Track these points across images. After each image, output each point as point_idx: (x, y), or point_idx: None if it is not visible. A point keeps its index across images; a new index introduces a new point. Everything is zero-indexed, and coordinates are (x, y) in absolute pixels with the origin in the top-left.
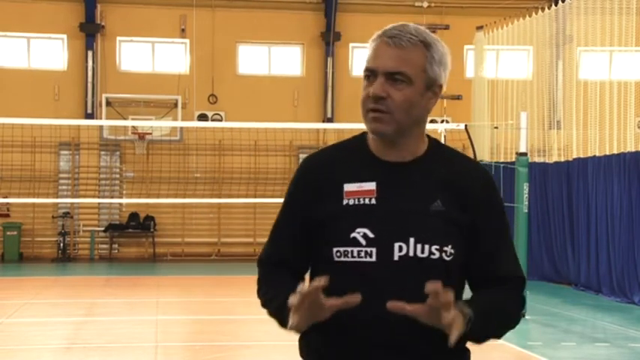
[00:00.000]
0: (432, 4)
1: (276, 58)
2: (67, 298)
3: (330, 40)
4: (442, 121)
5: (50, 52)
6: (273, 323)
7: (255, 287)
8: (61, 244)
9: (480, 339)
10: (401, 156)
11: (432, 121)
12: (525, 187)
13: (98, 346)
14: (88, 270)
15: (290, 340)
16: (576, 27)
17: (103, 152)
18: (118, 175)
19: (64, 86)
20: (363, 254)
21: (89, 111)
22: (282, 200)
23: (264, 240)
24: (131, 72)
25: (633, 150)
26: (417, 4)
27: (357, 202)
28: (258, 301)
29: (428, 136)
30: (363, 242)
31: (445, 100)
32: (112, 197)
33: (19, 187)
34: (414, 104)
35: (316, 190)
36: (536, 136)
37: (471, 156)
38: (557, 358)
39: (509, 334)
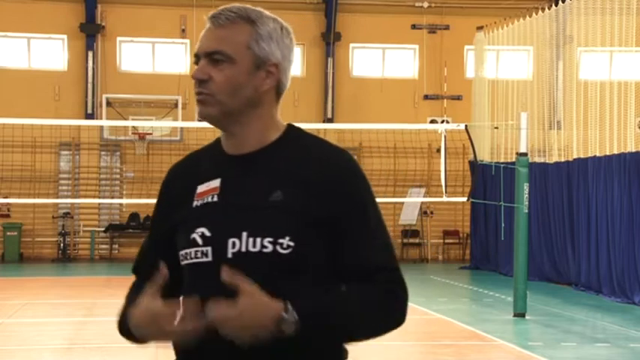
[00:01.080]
0: (432, 5)
1: None
2: (68, 299)
3: (330, 40)
4: (442, 122)
5: (50, 52)
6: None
7: None
8: (62, 245)
9: (339, 339)
10: (244, 146)
11: (432, 121)
12: (525, 187)
13: (99, 346)
14: (89, 270)
15: None
16: (576, 27)
17: (103, 152)
18: (118, 176)
19: (65, 86)
20: (199, 254)
21: (89, 111)
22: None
23: None
24: (131, 72)
25: (633, 150)
26: (417, 4)
27: (202, 202)
28: None
29: (290, 124)
30: (200, 242)
31: (445, 100)
32: (112, 197)
33: (20, 188)
34: (239, 84)
35: (174, 196)
36: (536, 136)
37: (472, 156)
38: (557, 359)
39: (509, 334)
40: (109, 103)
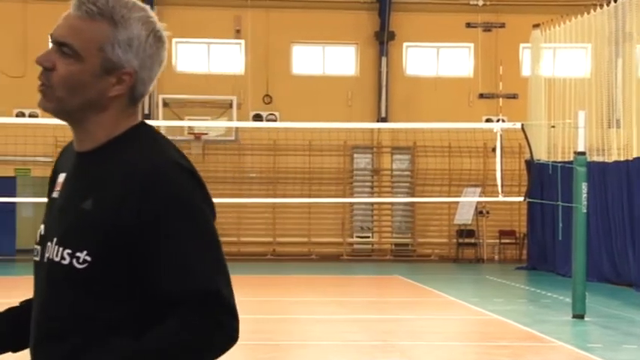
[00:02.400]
0: (488, 3)
1: (330, 58)
2: None
3: (384, 39)
4: (498, 120)
5: None
6: (329, 323)
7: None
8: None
9: None
10: (85, 144)
11: (487, 120)
12: (584, 186)
13: None
14: None
15: (348, 340)
16: (636, 24)
17: None
18: None
19: None
20: (35, 253)
21: (146, 111)
22: (336, 200)
23: (320, 240)
24: (187, 73)
25: None
26: (472, 2)
27: (51, 196)
28: (313, 301)
29: (140, 126)
30: (37, 239)
31: (501, 99)
32: None
33: None
34: (80, 84)
35: (51, 183)
36: (594, 134)
37: (528, 156)
38: None
39: (567, 336)
40: (165, 104)
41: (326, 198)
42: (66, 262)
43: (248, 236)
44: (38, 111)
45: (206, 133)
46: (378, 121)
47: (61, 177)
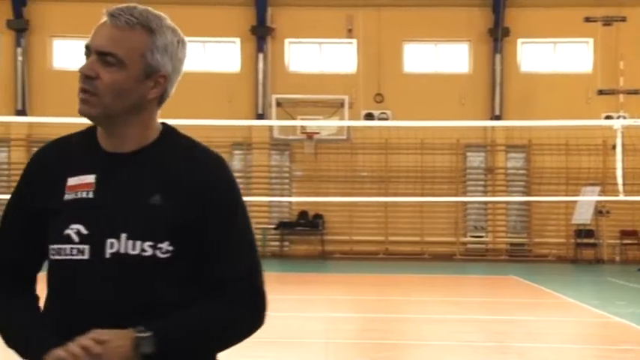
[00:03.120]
0: None
1: (442, 56)
2: None
3: (498, 36)
4: (618, 117)
5: (224, 55)
6: (443, 323)
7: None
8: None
9: (195, 352)
10: (122, 146)
11: (607, 117)
12: None
13: (271, 341)
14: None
15: (462, 340)
16: None
17: (273, 152)
18: (287, 174)
19: (237, 88)
20: (75, 252)
21: (260, 111)
22: (450, 199)
23: (432, 239)
24: (299, 73)
25: None
26: None
27: (75, 197)
28: (427, 301)
29: (164, 124)
30: (76, 239)
31: (621, 95)
32: (282, 195)
33: None
34: (125, 90)
35: (42, 184)
36: None
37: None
38: None
39: None
40: (278, 104)
41: (438, 197)
42: (147, 253)
43: (360, 235)
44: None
45: (318, 133)
46: (491, 119)
47: (76, 179)
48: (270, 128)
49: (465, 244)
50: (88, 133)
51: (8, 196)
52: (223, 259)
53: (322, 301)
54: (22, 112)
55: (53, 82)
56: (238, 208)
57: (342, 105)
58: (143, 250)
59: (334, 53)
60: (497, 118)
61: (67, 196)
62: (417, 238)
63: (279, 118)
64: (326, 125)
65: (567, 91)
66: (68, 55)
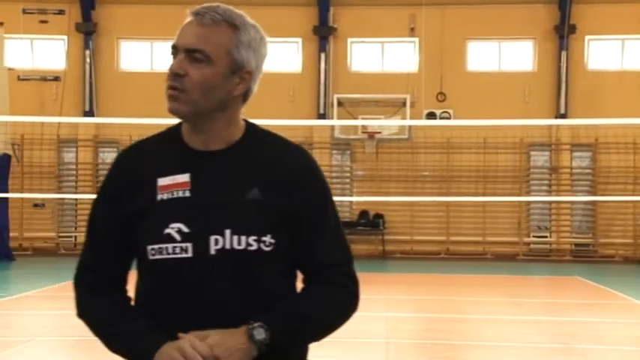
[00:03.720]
0: None
1: (506, 54)
2: None
3: (564, 33)
4: None
5: (286, 55)
6: (505, 324)
7: None
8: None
9: (294, 344)
10: (211, 143)
11: None
12: None
13: (331, 340)
14: None
15: (525, 342)
16: None
17: (334, 151)
18: (348, 174)
19: (299, 88)
20: (178, 250)
21: (321, 111)
22: (513, 199)
23: (494, 239)
24: (361, 72)
25: None
26: None
27: (171, 196)
28: (488, 301)
29: (245, 120)
30: (178, 238)
31: None
32: (343, 195)
33: None
34: (213, 86)
35: (130, 184)
36: None
37: None
38: None
39: None
40: (339, 103)
41: (501, 197)
42: (253, 247)
43: (421, 235)
44: None
45: (379, 132)
46: (556, 117)
47: (168, 179)
48: (332, 128)
49: (528, 244)
50: (170, 134)
51: (76, 196)
52: (323, 248)
53: (383, 301)
54: (89, 113)
55: (119, 84)
56: (330, 199)
57: (403, 104)
58: (249, 244)
59: (396, 52)
60: (563, 116)
61: (161, 196)
62: (479, 238)
63: (340, 117)
64: (387, 125)
65: (636, 88)
66: (134, 56)
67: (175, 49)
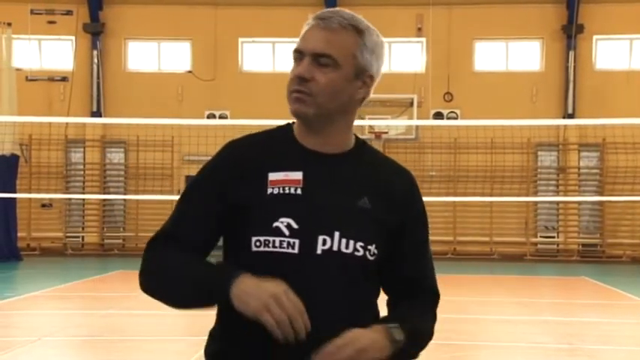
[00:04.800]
0: None
1: (513, 54)
2: None
3: (572, 32)
4: None
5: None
6: (512, 324)
7: None
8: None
9: (407, 356)
10: (327, 147)
11: None
12: None
13: None
14: None
15: (532, 342)
16: None
17: None
18: None
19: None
20: (285, 245)
21: None
22: (520, 199)
23: (501, 239)
24: None
25: None
26: None
27: (281, 192)
28: (495, 301)
29: (354, 134)
30: (287, 232)
31: None
32: None
33: None
34: (339, 90)
35: (240, 173)
36: None
37: None
38: None
39: None
40: None
41: (508, 197)
42: (360, 253)
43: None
44: (228, 112)
45: (386, 132)
46: (564, 117)
47: (281, 174)
48: None
49: (535, 244)
50: (281, 132)
51: (84, 196)
52: (426, 271)
53: None
54: (97, 114)
55: (127, 84)
56: (427, 221)
57: (410, 104)
58: (356, 249)
59: (403, 52)
60: (570, 116)
61: (272, 190)
62: (487, 239)
63: None
64: (394, 124)
65: None
66: (141, 57)
67: (301, 54)
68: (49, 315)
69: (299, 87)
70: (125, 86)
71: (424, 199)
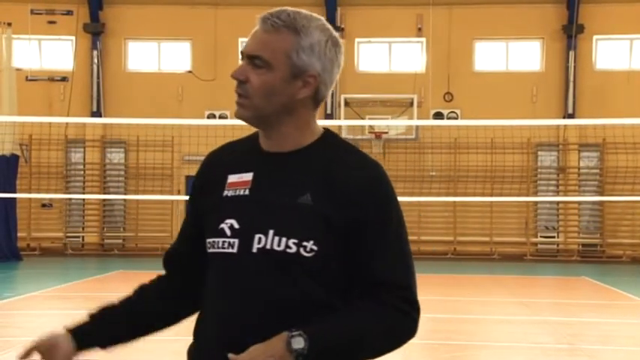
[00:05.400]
0: None
1: (514, 54)
2: None
3: (572, 33)
4: None
5: None
6: (512, 324)
7: None
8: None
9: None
10: (278, 146)
11: None
12: None
13: None
14: None
15: (532, 342)
16: None
17: None
18: None
19: None
20: (226, 245)
21: (329, 111)
22: (520, 199)
23: (502, 239)
24: (368, 72)
25: None
26: None
27: (234, 194)
28: (496, 301)
29: (327, 129)
30: (229, 233)
31: None
32: None
33: None
34: (274, 91)
35: (207, 183)
36: None
37: None
38: None
39: None
40: (347, 103)
41: (508, 197)
42: (292, 250)
43: (428, 235)
44: (228, 112)
45: (386, 132)
46: (564, 117)
47: (236, 176)
48: (339, 128)
49: (535, 244)
50: (252, 137)
51: (84, 196)
52: (382, 266)
53: None
54: (97, 114)
55: (127, 84)
56: (396, 219)
57: (410, 104)
58: (288, 246)
59: (403, 52)
60: (570, 116)
61: (226, 193)
62: (487, 239)
63: (347, 117)
64: (394, 125)
65: None
66: (141, 57)
67: (243, 56)
68: (49, 315)
69: (238, 89)
70: (125, 86)
71: (424, 199)
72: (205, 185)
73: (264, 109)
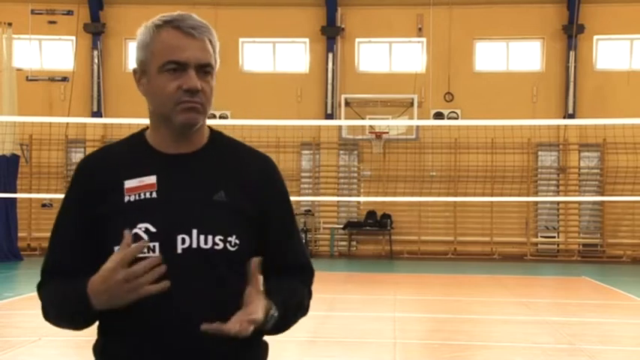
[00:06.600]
0: None
1: (514, 54)
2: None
3: (572, 33)
4: None
5: (294, 55)
6: (513, 324)
7: None
8: (303, 241)
9: (277, 331)
10: (187, 147)
11: None
12: None
13: (339, 340)
14: (329, 266)
15: (533, 342)
16: None
17: (342, 151)
18: (356, 174)
19: (307, 88)
20: (145, 250)
21: (329, 111)
22: (520, 199)
23: (502, 239)
24: (368, 72)
25: None
26: None
27: (138, 198)
28: (496, 301)
29: (209, 126)
30: (145, 237)
31: None
32: (350, 195)
33: None
34: (212, 95)
35: (94, 191)
36: None
37: None
38: None
39: None
40: (347, 103)
41: (509, 197)
42: (219, 247)
43: (428, 235)
44: (228, 112)
45: (387, 132)
46: (564, 117)
47: (135, 181)
48: (339, 128)
49: (535, 244)
50: (134, 140)
51: None
52: (293, 250)
53: (390, 301)
54: (97, 114)
55: (127, 84)
56: (290, 201)
57: (411, 104)
58: (215, 243)
59: (404, 52)
60: (571, 116)
61: (128, 198)
62: (487, 239)
63: (347, 117)
64: (395, 125)
65: None
66: None
67: (180, 65)
68: None
69: (192, 98)
70: (126, 86)
71: (424, 199)
72: (92, 194)
73: (207, 113)
